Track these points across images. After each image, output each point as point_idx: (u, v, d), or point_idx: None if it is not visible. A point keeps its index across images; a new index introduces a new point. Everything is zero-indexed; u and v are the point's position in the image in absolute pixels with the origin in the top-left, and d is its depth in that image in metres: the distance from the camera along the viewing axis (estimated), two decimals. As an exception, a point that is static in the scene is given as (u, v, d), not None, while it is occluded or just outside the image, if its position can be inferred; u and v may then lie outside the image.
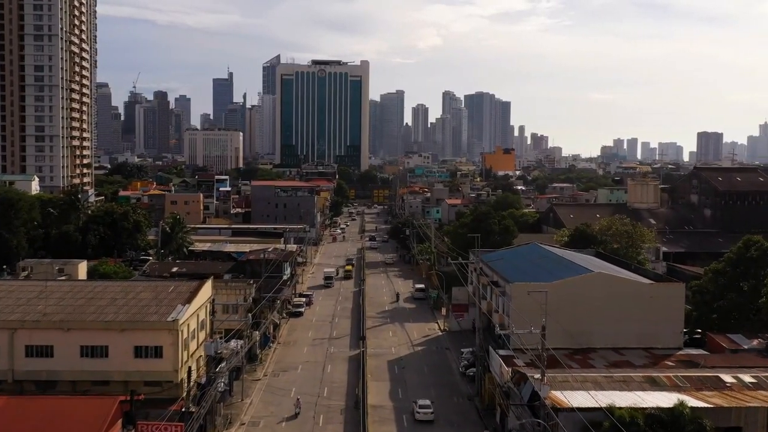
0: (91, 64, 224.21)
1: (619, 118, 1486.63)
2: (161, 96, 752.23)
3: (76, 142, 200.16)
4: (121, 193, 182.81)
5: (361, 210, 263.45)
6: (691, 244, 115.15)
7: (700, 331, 65.30)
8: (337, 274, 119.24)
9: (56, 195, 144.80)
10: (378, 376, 66.27)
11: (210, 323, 55.95)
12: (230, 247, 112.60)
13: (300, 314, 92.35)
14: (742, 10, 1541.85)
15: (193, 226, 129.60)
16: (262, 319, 73.58)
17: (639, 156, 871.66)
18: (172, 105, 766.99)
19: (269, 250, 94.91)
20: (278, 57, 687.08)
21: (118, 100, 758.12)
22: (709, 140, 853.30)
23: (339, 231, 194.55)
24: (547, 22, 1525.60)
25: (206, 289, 57.09)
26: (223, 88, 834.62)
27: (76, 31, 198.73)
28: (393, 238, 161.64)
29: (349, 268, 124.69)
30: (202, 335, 55.50)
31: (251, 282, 74.34)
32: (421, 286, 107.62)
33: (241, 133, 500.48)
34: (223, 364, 55.25)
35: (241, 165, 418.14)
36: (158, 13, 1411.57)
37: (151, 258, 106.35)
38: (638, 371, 47.83)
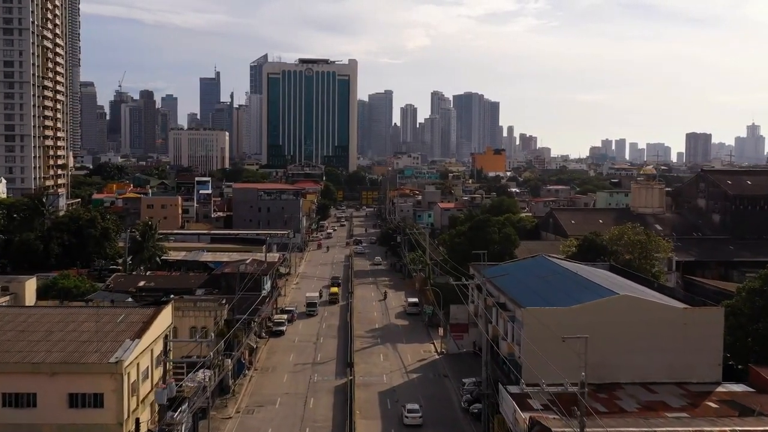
0: (66, 61, 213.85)
1: (606, 118, 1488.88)
2: (147, 95, 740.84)
3: (49, 142, 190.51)
4: (95, 195, 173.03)
5: (349, 213, 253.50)
6: (702, 252, 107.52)
7: (729, 355, 57.18)
8: (321, 296, 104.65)
9: (21, 198, 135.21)
10: (368, 413, 57.57)
11: (164, 365, 46.93)
12: (207, 257, 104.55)
13: (281, 333, 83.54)
14: (728, 11, 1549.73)
15: (167, 231, 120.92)
16: (236, 343, 64.90)
17: (627, 157, 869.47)
18: (158, 104, 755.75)
19: (247, 261, 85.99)
20: (266, 56, 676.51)
21: (104, 99, 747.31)
22: (697, 141, 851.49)
23: (322, 236, 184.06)
24: (534, 23, 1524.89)
25: (164, 317, 48.20)
26: (210, 87, 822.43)
27: (49, 26, 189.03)
28: (383, 245, 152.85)
29: (334, 290, 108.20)
30: (158, 373, 46.59)
31: (223, 301, 65.43)
32: (415, 300, 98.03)
33: (227, 133, 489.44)
34: (184, 406, 46.48)
35: (227, 165, 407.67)
36: (146, 12, 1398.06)
37: (120, 269, 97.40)
38: (685, 421, 39.42)
